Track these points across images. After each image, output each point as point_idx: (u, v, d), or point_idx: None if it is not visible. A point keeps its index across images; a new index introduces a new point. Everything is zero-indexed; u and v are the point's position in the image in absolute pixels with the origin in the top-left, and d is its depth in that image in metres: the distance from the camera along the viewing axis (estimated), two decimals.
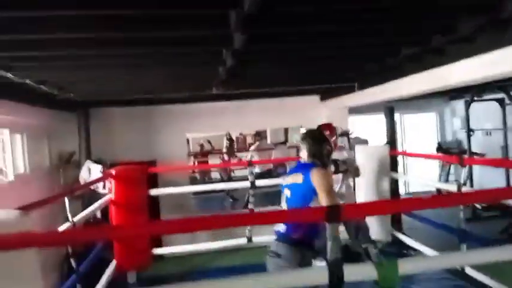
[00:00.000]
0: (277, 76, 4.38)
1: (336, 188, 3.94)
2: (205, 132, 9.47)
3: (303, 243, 2.44)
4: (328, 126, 4.08)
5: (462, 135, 7.05)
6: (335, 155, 3.90)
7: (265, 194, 6.65)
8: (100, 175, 4.45)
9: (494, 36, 2.56)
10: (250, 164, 4.83)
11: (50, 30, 2.16)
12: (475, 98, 6.28)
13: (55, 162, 4.94)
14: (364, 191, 4.48)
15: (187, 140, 11.22)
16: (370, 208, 1.74)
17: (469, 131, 6.38)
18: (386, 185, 4.33)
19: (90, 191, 4.59)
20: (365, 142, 6.43)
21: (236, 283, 1.69)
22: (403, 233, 4.74)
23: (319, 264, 2.25)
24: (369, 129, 7.78)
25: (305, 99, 6.07)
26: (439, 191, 6.43)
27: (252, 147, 9.01)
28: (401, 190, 8.12)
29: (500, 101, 6.22)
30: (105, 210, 4.40)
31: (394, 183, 4.88)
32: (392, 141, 4.74)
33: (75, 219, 3.33)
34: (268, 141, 9.91)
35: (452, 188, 3.49)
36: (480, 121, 7.10)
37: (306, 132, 2.95)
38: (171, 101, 5.48)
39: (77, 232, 2.04)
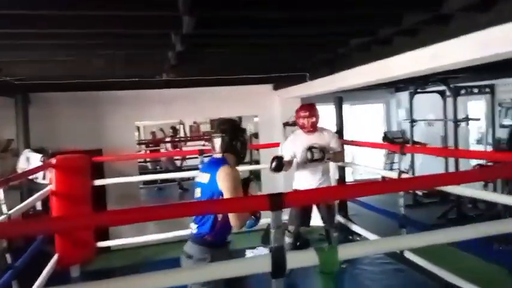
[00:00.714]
0: (228, 63, 4.34)
1: (315, 180, 3.81)
2: (156, 120, 9.22)
3: (214, 243, 2.30)
4: (306, 106, 3.95)
5: (406, 126, 7.39)
6: (313, 139, 3.88)
7: None
8: (40, 164, 4.19)
9: (436, 30, 2.66)
10: (202, 152, 4.76)
11: None
12: (419, 90, 6.57)
13: None
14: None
15: (138, 128, 10.95)
16: (313, 195, 1.76)
17: (412, 122, 6.69)
18: (332, 172, 4.43)
19: (29, 181, 4.32)
20: None
21: (179, 274, 1.65)
22: (349, 219, 4.90)
23: (263, 252, 2.26)
24: (322, 118, 7.94)
25: (258, 88, 6.06)
26: (383, 178, 6.71)
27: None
28: (349, 178, 8.44)
29: (442, 93, 6.56)
30: (46, 202, 4.17)
31: (341, 171, 5.02)
32: (340, 131, 4.85)
33: (11, 211, 3.13)
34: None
35: (393, 175, 3.65)
36: (423, 112, 7.46)
37: (218, 122, 2.62)
38: (120, 87, 5.25)
39: (6, 226, 1.90)
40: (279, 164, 3.67)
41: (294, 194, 1.70)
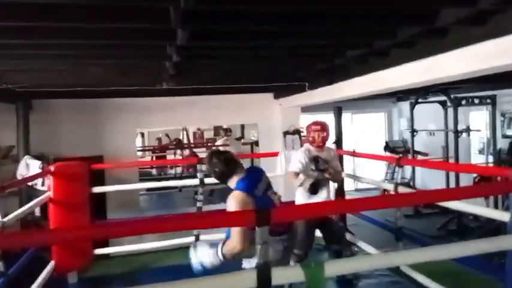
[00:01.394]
0: (228, 72, 4.36)
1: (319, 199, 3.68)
2: (158, 127, 9.26)
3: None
4: (318, 121, 3.90)
5: (408, 135, 7.36)
6: (322, 155, 3.82)
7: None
8: (39, 171, 4.22)
9: (432, 42, 2.66)
10: (200, 161, 4.77)
11: None
12: (420, 100, 6.56)
13: None
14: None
15: (142, 134, 10.98)
16: (300, 210, 1.76)
17: (413, 131, 6.67)
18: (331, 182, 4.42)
19: (28, 187, 4.34)
20: None
21: None
22: (347, 230, 4.87)
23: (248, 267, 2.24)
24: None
25: (259, 96, 6.07)
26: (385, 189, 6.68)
27: (218, 142, 9.02)
28: (351, 187, 8.41)
29: (443, 103, 6.53)
30: (44, 208, 4.19)
31: (341, 181, 5.00)
32: (339, 140, 4.85)
33: (7, 218, 3.15)
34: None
35: (390, 187, 3.63)
36: (425, 122, 7.44)
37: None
38: (120, 94, 5.29)
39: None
40: (315, 190, 3.61)
41: (281, 210, 1.69)
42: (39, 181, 4.23)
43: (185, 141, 10.51)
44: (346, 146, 6.62)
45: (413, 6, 2.26)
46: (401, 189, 3.54)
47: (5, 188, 3.10)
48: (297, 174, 3.78)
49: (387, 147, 7.93)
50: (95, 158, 4.99)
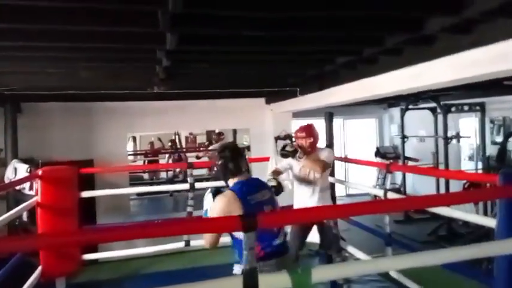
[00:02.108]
0: (218, 78, 4.36)
1: (313, 201, 3.66)
2: (149, 132, 9.22)
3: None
4: (303, 127, 3.80)
5: (399, 141, 7.41)
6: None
7: None
8: (26, 175, 4.17)
9: (420, 50, 2.70)
10: (190, 165, 4.75)
11: None
12: (410, 106, 6.61)
13: None
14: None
15: (134, 138, 10.91)
16: (288, 216, 1.75)
17: (404, 137, 6.71)
18: None
19: (16, 192, 4.29)
20: None
21: None
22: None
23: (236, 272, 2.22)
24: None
25: (251, 101, 6.08)
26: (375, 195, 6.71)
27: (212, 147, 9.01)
28: (343, 192, 8.43)
29: (433, 110, 6.59)
30: (32, 213, 4.14)
31: (331, 187, 5.00)
32: (330, 145, 4.86)
33: None
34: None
35: (380, 193, 3.64)
36: (415, 128, 7.49)
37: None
38: (111, 98, 5.27)
39: None
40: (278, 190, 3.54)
41: (268, 215, 1.69)
42: (27, 185, 4.19)
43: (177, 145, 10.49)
44: (337, 152, 6.66)
45: (400, 15, 2.29)
46: (391, 195, 3.56)
47: None
48: (278, 172, 3.76)
49: (378, 153, 7.97)
50: (85, 162, 4.94)
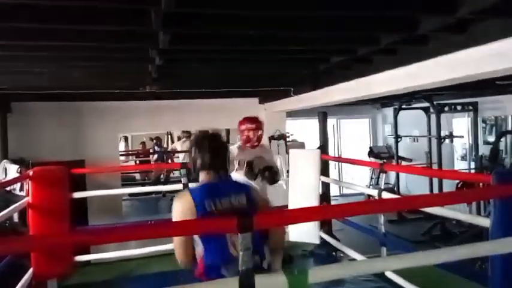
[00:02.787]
0: (211, 77, 4.34)
1: None
2: (141, 132, 9.13)
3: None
4: (252, 118, 3.58)
5: (392, 141, 7.43)
6: (259, 154, 3.55)
7: None
8: (17, 175, 4.10)
9: (414, 50, 2.70)
10: (184, 165, 4.70)
11: None
12: (403, 106, 6.63)
13: None
14: (295, 194, 4.54)
15: (126, 138, 10.83)
16: (284, 217, 1.74)
17: (397, 137, 6.73)
18: (316, 188, 4.42)
19: (6, 192, 4.22)
20: (302, 145, 6.57)
21: None
22: (332, 235, 4.86)
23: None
24: (308, 132, 7.97)
25: (244, 101, 6.04)
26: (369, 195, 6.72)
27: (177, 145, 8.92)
28: (336, 192, 8.43)
29: (426, 110, 6.61)
30: (23, 214, 4.07)
31: (326, 187, 5.00)
32: (324, 146, 4.86)
33: None
34: None
35: (374, 193, 3.63)
36: (409, 128, 7.52)
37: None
38: (103, 98, 5.21)
39: None
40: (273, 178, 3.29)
41: (265, 216, 1.67)
42: (17, 186, 4.12)
43: (169, 145, 10.42)
44: (331, 152, 6.67)
45: (394, 14, 2.28)
46: (385, 195, 3.55)
47: None
48: (250, 163, 3.43)
49: (371, 153, 7.99)
50: (76, 162, 4.87)
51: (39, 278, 3.93)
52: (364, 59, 3.15)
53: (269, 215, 1.72)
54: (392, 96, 5.76)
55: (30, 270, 3.82)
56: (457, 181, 6.09)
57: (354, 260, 4.02)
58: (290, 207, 4.19)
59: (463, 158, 7.32)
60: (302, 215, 1.76)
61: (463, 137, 6.76)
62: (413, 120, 7.39)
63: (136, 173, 10.16)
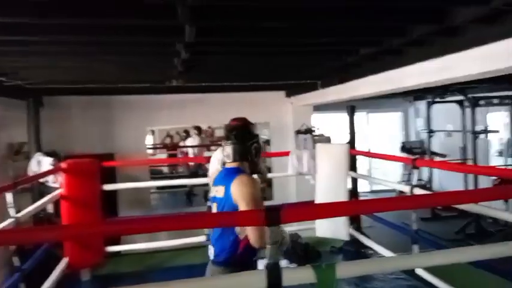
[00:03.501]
0: (237, 70, 4.31)
1: None
2: (168, 125, 9.24)
3: (243, 265, 1.97)
4: (237, 120, 3.58)
5: (425, 136, 7.20)
6: None
7: None
8: (50, 168, 4.23)
9: (446, 41, 2.59)
10: (209, 160, 4.71)
11: None
12: (437, 100, 6.41)
13: (4, 153, 4.68)
14: (322, 189, 4.47)
15: (153, 132, 10.99)
16: (312, 211, 1.70)
17: (430, 132, 6.52)
18: (344, 183, 4.33)
19: (40, 184, 4.37)
20: (328, 140, 6.47)
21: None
22: (362, 232, 4.77)
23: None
24: (335, 127, 7.86)
25: (271, 94, 6.02)
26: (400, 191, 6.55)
27: (188, 141, 8.97)
28: (366, 188, 8.28)
29: (460, 103, 6.37)
30: (56, 205, 4.21)
31: (354, 182, 4.90)
32: (352, 140, 4.75)
33: (20, 214, 3.15)
34: None
35: (406, 189, 3.52)
36: (443, 122, 7.27)
37: (230, 126, 2.31)
38: (131, 91, 5.29)
39: (13, 233, 1.91)
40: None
41: (292, 210, 1.63)
42: (50, 178, 4.25)
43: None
44: (360, 147, 6.52)
45: (427, 5, 2.19)
46: (417, 191, 3.44)
47: (17, 185, 3.11)
48: None
49: (403, 148, 7.78)
50: (106, 155, 4.99)
51: (73, 268, 4.07)
52: (394, 51, 3.04)
53: (296, 209, 1.69)
54: (425, 89, 5.57)
55: (64, 260, 3.97)
56: (494, 178, 5.85)
57: (383, 257, 3.94)
58: (317, 202, 4.12)
59: (500, 153, 7.01)
60: (329, 209, 1.71)
61: (498, 131, 6.47)
62: (447, 114, 7.13)
63: (164, 166, 10.30)
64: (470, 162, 5.97)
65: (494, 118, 6.87)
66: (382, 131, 9.10)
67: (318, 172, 4.60)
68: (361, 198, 5.46)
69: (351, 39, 2.91)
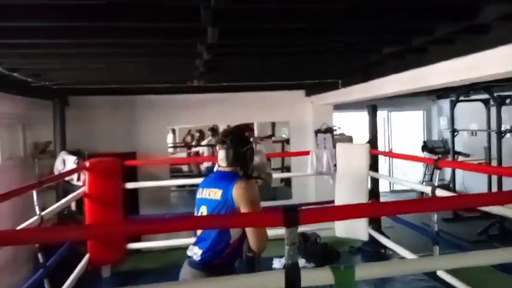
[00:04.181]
0: (258, 70, 4.31)
1: None
2: (189, 124, 9.34)
3: (224, 268, 2.09)
4: (247, 126, 3.67)
5: (448, 135, 7.05)
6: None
7: None
8: (74, 167, 4.34)
9: (473, 39, 2.53)
10: None
11: (20, 18, 2.09)
12: (461, 98, 6.26)
13: (30, 152, 4.82)
14: (342, 189, 4.44)
15: (174, 130, 11.10)
16: (331, 213, 1.69)
17: (454, 131, 6.38)
18: (364, 184, 4.29)
19: (64, 182, 4.49)
20: (349, 139, 6.41)
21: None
22: (381, 232, 4.72)
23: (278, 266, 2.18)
24: (356, 126, 7.76)
25: (290, 94, 6.00)
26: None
27: (204, 142, 8.95)
28: (386, 188, 8.17)
29: (485, 102, 6.21)
30: (80, 203, 4.32)
31: (375, 182, 4.85)
32: (374, 140, 4.70)
33: (44, 212, 3.24)
34: (256, 134, 9.81)
35: (427, 190, 3.45)
36: (466, 121, 7.10)
37: (226, 132, 2.46)
38: (153, 91, 5.37)
39: (38, 232, 1.97)
40: None
41: (311, 211, 1.63)
42: (74, 176, 4.36)
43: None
44: (381, 146, 6.44)
45: (453, 2, 2.14)
46: (439, 193, 3.38)
47: (42, 183, 3.20)
48: None
49: (425, 147, 7.62)
50: (128, 154, 5.09)
51: (95, 264, 4.17)
52: (419, 49, 2.98)
53: (315, 211, 1.69)
54: (449, 88, 5.45)
55: (86, 257, 4.07)
56: None
57: (403, 258, 3.89)
58: (337, 202, 4.10)
59: None
60: (348, 211, 1.70)
61: None
62: (471, 113, 6.96)
63: (183, 164, 10.39)
64: (494, 163, 5.81)
65: None
66: (404, 129, 8.94)
67: (338, 172, 4.57)
68: (382, 198, 5.40)
69: (374, 38, 2.88)
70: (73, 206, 4.46)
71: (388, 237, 4.51)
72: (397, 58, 3.30)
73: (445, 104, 7.85)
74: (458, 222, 6.24)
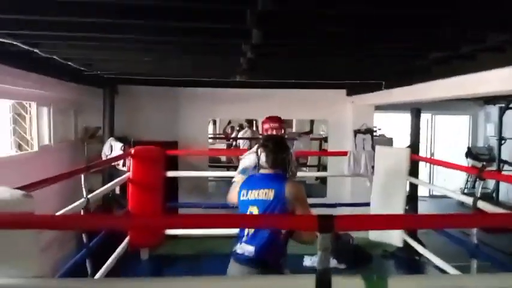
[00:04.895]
0: (299, 69, 4.33)
1: None
2: (229, 117, 9.51)
3: (275, 266, 2.22)
4: (275, 118, 3.69)
5: (495, 142, 6.75)
6: None
7: None
8: (120, 153, 4.57)
9: None
10: None
11: (76, 13, 2.23)
12: (511, 105, 5.98)
13: (80, 136, 5.12)
14: (379, 193, 4.38)
15: (214, 122, 11.31)
16: (369, 221, 1.70)
17: (501, 139, 6.11)
18: (402, 189, 4.20)
19: (111, 167, 4.73)
20: (389, 141, 6.28)
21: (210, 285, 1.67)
22: (416, 238, 4.62)
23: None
24: (397, 127, 7.59)
25: (331, 92, 5.96)
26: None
27: (240, 134, 9.00)
28: (425, 192, 7.94)
29: None
30: (124, 187, 4.54)
31: (414, 188, 4.75)
32: (415, 145, 4.59)
33: (91, 195, 3.43)
34: (294, 130, 9.82)
35: (469, 201, 3.34)
36: None
37: (267, 137, 2.68)
38: (197, 84, 5.53)
39: (73, 219, 2.10)
40: None
41: (346, 218, 1.65)
42: (120, 162, 4.58)
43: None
44: (423, 151, 6.26)
45: (504, 12, 2.07)
46: (481, 204, 3.25)
47: (90, 168, 3.39)
48: None
49: (469, 154, 7.34)
50: (171, 143, 5.28)
51: (134, 246, 4.39)
52: (467, 56, 2.90)
53: (351, 218, 1.71)
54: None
55: (127, 239, 4.28)
56: None
57: (437, 267, 3.80)
58: (372, 206, 4.05)
59: None
60: (384, 221, 1.71)
61: None
62: None
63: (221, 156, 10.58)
64: None
65: None
66: (448, 134, 8.63)
67: (375, 175, 4.51)
68: (420, 203, 5.27)
69: (421, 45, 2.83)
70: (117, 190, 4.69)
71: (423, 245, 4.41)
72: (443, 63, 3.22)
73: (493, 110, 7.51)
74: (499, 232, 5.99)
